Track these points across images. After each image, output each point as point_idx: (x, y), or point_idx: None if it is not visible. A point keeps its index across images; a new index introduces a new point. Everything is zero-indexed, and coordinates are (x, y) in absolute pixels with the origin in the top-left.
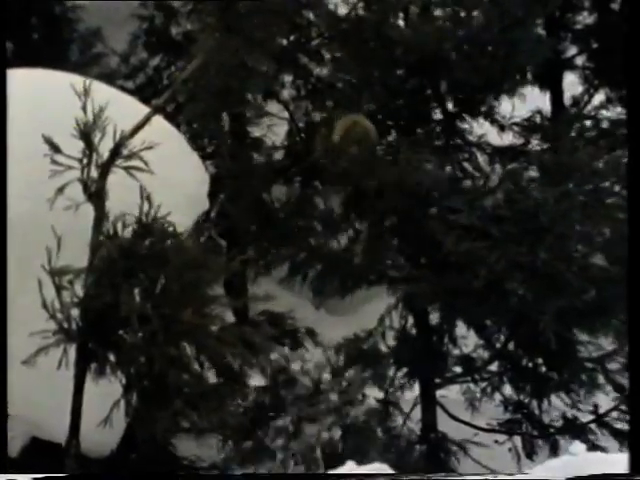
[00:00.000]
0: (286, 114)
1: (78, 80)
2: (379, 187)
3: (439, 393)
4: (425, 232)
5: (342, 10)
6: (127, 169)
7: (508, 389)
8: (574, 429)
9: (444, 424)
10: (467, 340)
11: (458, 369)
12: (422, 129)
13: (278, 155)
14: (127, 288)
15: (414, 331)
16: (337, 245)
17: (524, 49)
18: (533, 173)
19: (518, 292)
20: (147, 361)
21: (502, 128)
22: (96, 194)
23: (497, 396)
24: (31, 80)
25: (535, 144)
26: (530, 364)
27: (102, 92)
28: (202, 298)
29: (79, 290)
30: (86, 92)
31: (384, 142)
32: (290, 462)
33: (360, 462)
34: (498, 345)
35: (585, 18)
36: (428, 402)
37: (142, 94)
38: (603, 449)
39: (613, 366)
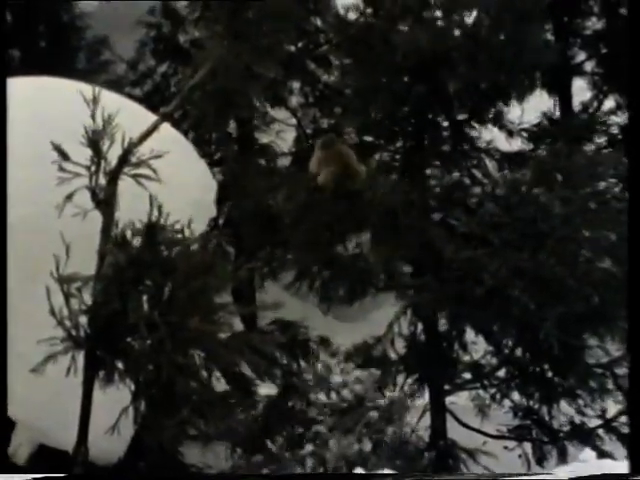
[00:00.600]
0: (294, 121)
1: (86, 88)
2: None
3: (448, 400)
4: (427, 240)
5: (350, 16)
6: (135, 177)
7: (517, 395)
8: (582, 435)
9: (453, 431)
10: (477, 346)
11: (467, 375)
12: (429, 135)
13: (286, 161)
14: (135, 296)
15: (423, 337)
16: (344, 251)
17: (532, 54)
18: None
19: (520, 298)
20: (155, 368)
21: (511, 134)
22: (104, 201)
23: (506, 402)
24: (39, 88)
25: (543, 149)
26: (537, 370)
27: (110, 100)
28: (210, 305)
29: (87, 297)
30: (95, 100)
31: (391, 148)
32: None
33: None
34: (506, 351)
35: (594, 24)
36: (437, 409)
37: (149, 101)
38: (610, 454)
39: (622, 371)
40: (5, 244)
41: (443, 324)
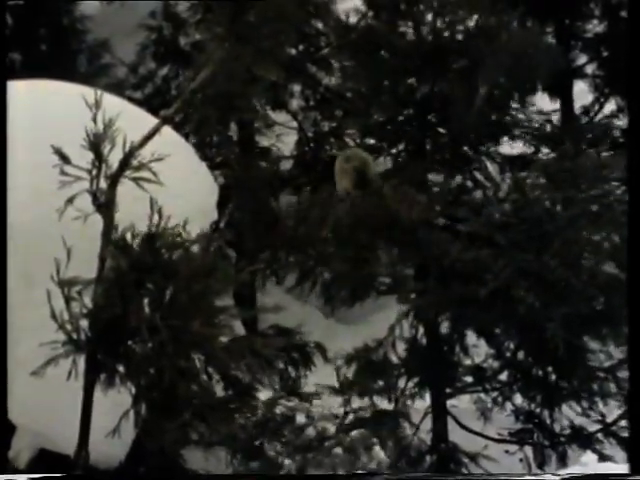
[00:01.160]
0: (295, 124)
1: (88, 91)
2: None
3: (450, 403)
4: (431, 241)
5: (352, 19)
6: (136, 180)
7: (519, 398)
8: (583, 438)
9: (455, 434)
10: (479, 349)
11: (469, 378)
12: (431, 139)
13: (287, 164)
14: (136, 299)
15: (424, 340)
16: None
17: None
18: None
19: (525, 300)
20: (156, 372)
21: (512, 137)
22: (105, 205)
23: (508, 405)
24: (39, 91)
25: (546, 153)
26: (540, 373)
27: (111, 103)
28: (211, 309)
29: (88, 301)
30: (97, 103)
31: (393, 151)
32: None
33: None
34: (508, 354)
35: (595, 26)
36: (439, 412)
37: (150, 104)
38: (610, 458)
39: (624, 375)
40: (5, 247)
41: (445, 327)
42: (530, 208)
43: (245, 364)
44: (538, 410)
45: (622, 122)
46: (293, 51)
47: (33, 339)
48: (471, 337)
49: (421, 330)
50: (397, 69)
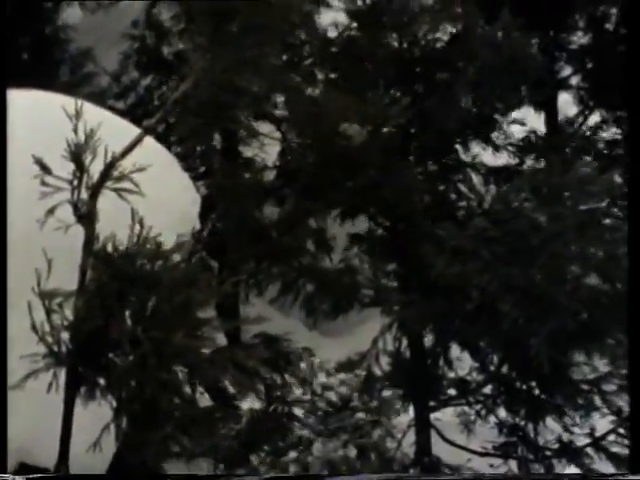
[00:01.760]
0: (278, 134)
1: (69, 101)
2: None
3: (433, 416)
4: (416, 254)
5: (334, 32)
6: (117, 191)
7: (503, 412)
8: (569, 452)
9: (438, 447)
10: (462, 362)
11: (453, 391)
12: (415, 149)
13: (270, 175)
14: (118, 311)
15: (408, 353)
16: (330, 264)
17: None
18: (524, 193)
19: (510, 314)
20: (138, 385)
21: (497, 148)
22: (86, 216)
23: (492, 419)
24: (21, 100)
25: (530, 164)
26: (524, 387)
27: (93, 113)
28: (193, 320)
29: (69, 313)
30: (77, 114)
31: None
32: None
33: None
34: (492, 368)
35: (580, 38)
36: (422, 425)
37: (133, 114)
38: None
39: (609, 388)
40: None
41: (429, 340)
42: (515, 220)
43: (230, 376)
44: (522, 423)
45: (606, 134)
46: (276, 61)
47: (13, 351)
48: (455, 350)
49: (405, 343)
50: (379, 80)
